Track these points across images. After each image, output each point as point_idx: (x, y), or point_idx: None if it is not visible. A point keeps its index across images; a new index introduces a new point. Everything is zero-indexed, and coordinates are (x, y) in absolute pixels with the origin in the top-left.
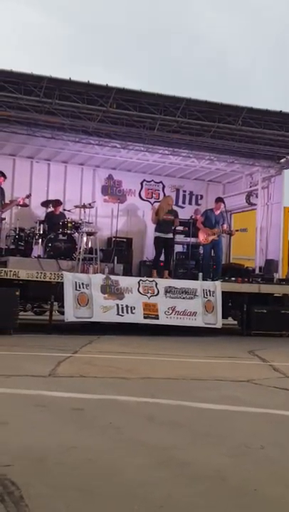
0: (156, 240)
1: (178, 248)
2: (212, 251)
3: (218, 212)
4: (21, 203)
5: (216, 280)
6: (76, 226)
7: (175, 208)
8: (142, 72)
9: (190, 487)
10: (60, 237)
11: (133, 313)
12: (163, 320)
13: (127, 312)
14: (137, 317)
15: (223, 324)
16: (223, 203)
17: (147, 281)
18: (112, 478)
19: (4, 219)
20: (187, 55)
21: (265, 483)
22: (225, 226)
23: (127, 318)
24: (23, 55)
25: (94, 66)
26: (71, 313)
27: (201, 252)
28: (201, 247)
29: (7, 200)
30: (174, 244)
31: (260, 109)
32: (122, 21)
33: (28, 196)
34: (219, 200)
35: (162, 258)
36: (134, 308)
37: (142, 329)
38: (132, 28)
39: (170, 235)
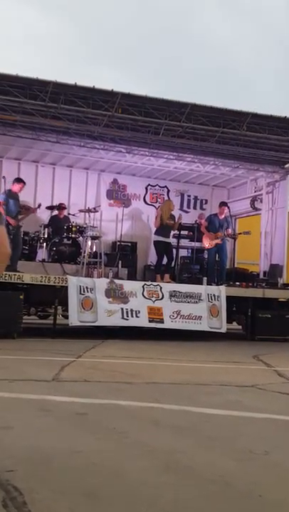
0: (158, 244)
1: (182, 252)
2: (216, 255)
3: (222, 216)
4: (35, 213)
5: (221, 284)
6: (81, 230)
7: (180, 212)
8: (145, 73)
9: (195, 491)
10: (65, 241)
11: (138, 317)
12: (168, 324)
13: (132, 316)
14: (142, 321)
15: (227, 329)
16: (227, 207)
17: (152, 286)
18: (117, 482)
19: (21, 226)
20: (190, 58)
21: (270, 488)
22: (229, 230)
23: (132, 322)
24: (27, 56)
25: (98, 67)
26: (75, 317)
27: (206, 256)
28: (205, 251)
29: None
30: (172, 248)
31: (264, 114)
32: (123, 23)
33: (39, 206)
34: (223, 204)
35: (164, 262)
36: (139, 312)
37: (146, 333)
38: (134, 29)
39: (169, 240)
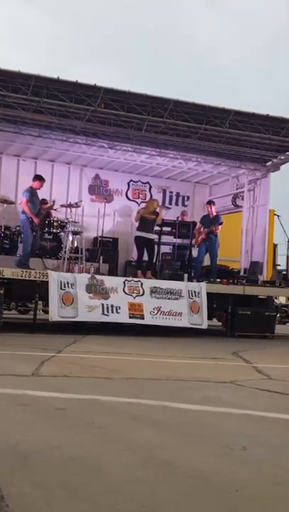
0: (138, 239)
1: (164, 249)
2: (206, 252)
3: (213, 214)
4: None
5: (202, 281)
6: (62, 225)
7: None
8: (134, 70)
9: (173, 487)
10: (46, 235)
11: (118, 312)
12: (148, 320)
13: (112, 312)
14: (122, 317)
15: (207, 325)
16: (212, 203)
17: (133, 282)
18: (95, 477)
19: (41, 224)
20: (176, 55)
21: (247, 484)
22: (216, 225)
23: (112, 318)
24: (21, 53)
25: (82, 65)
26: (56, 312)
27: (187, 253)
28: (193, 248)
29: None
30: (155, 245)
31: (247, 112)
32: (110, 22)
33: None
34: (208, 203)
35: (146, 258)
36: (120, 308)
37: (126, 329)
38: (124, 27)
39: (151, 236)
